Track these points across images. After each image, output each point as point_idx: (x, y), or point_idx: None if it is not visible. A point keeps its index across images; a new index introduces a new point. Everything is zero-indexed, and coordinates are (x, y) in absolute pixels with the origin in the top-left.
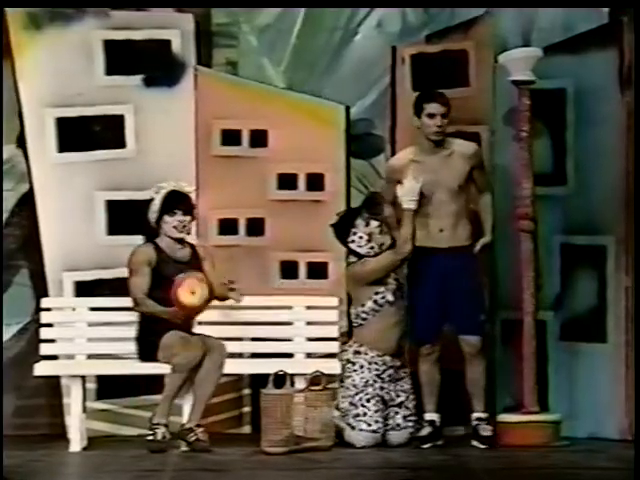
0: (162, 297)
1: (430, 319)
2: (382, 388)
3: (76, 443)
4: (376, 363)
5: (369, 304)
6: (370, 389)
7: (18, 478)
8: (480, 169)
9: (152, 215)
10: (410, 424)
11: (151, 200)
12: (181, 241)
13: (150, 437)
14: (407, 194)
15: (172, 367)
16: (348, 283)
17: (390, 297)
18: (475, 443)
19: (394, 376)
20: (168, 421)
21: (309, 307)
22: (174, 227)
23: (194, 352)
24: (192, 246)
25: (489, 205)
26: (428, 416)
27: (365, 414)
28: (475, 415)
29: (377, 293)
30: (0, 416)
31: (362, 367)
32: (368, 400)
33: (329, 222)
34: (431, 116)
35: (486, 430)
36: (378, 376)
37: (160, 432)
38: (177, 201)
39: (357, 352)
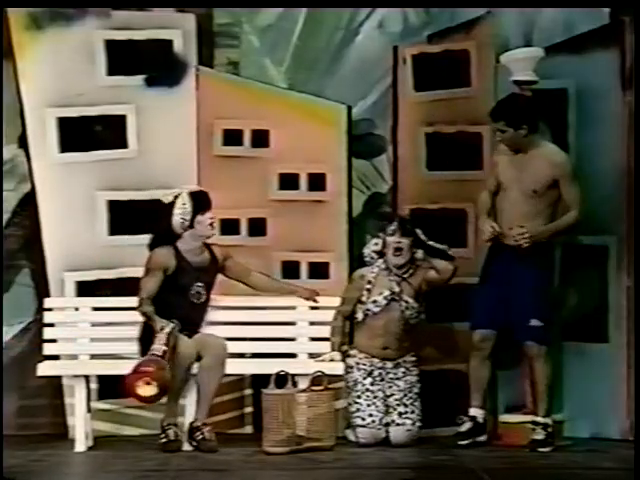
0: (176, 303)
1: (485, 310)
2: (373, 384)
3: (81, 443)
4: (364, 364)
5: (359, 314)
6: (359, 386)
7: (20, 478)
8: (567, 182)
9: (185, 217)
10: (408, 422)
11: (170, 204)
12: (203, 243)
13: (163, 439)
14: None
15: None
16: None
17: (381, 304)
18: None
19: (384, 376)
20: (177, 420)
21: (313, 307)
22: (209, 225)
23: (187, 352)
24: (210, 249)
25: (566, 221)
26: (472, 412)
27: (358, 410)
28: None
29: (367, 302)
30: (0, 416)
31: (351, 367)
32: (359, 397)
33: (331, 222)
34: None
35: (539, 434)
36: (368, 373)
37: (172, 432)
38: (206, 199)
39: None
